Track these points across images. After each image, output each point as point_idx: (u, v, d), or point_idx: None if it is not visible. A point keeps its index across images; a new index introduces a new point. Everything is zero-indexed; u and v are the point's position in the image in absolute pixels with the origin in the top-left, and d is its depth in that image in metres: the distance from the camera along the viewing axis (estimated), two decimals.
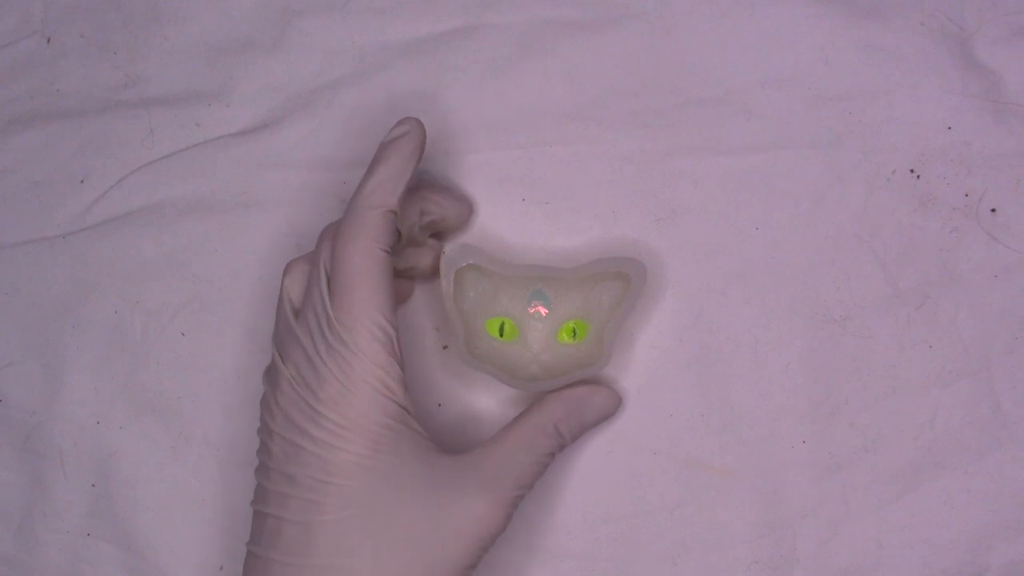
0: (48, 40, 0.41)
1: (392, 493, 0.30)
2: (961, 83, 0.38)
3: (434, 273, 0.37)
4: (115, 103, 0.40)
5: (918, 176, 0.38)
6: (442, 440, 0.38)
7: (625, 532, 0.37)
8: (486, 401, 0.38)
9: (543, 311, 0.36)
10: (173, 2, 0.40)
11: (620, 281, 0.36)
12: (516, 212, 0.38)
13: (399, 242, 0.34)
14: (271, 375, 0.32)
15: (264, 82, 0.40)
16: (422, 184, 0.38)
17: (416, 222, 0.35)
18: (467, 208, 0.37)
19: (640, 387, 0.37)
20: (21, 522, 0.38)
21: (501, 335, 0.36)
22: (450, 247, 0.36)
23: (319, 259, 0.31)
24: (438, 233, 0.38)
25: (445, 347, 0.38)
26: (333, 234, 0.32)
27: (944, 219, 0.37)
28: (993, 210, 0.37)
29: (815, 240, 0.37)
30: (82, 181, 0.40)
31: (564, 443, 0.33)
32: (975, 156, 0.37)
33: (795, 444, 0.37)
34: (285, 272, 0.33)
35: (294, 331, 0.31)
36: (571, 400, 0.34)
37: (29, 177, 0.40)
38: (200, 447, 0.38)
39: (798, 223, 0.38)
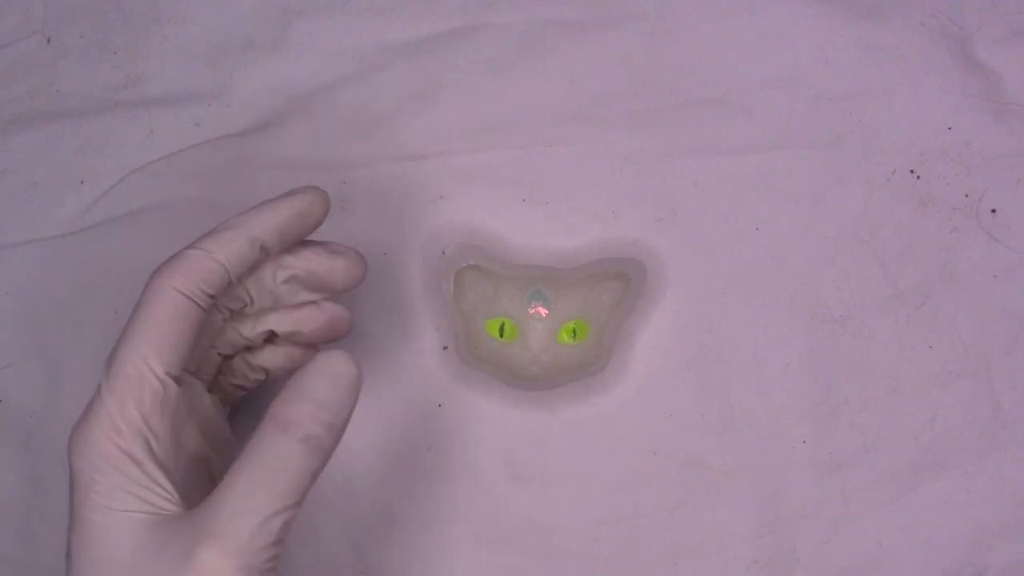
0: (48, 40, 0.41)
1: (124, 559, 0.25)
2: (961, 83, 0.38)
3: (325, 339, 0.33)
4: (115, 103, 0.40)
5: (918, 176, 0.38)
6: (442, 441, 0.37)
7: (625, 532, 0.37)
8: (486, 401, 0.38)
9: (543, 311, 0.36)
10: (173, 2, 0.40)
11: (620, 281, 0.36)
12: (516, 212, 0.38)
13: (250, 304, 0.31)
14: None
15: (264, 82, 0.40)
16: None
17: (270, 275, 0.32)
18: (350, 262, 0.32)
19: (640, 387, 0.37)
20: (21, 522, 0.38)
21: (501, 335, 0.36)
22: (450, 247, 0.36)
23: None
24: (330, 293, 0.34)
25: (445, 347, 0.38)
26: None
27: (944, 219, 0.37)
28: (993, 210, 0.37)
29: (815, 240, 0.37)
30: (82, 181, 0.40)
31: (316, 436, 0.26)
32: (975, 156, 0.37)
33: (795, 444, 0.37)
34: None
35: None
36: (291, 388, 0.27)
37: (29, 177, 0.40)
38: None
39: (798, 223, 0.38)
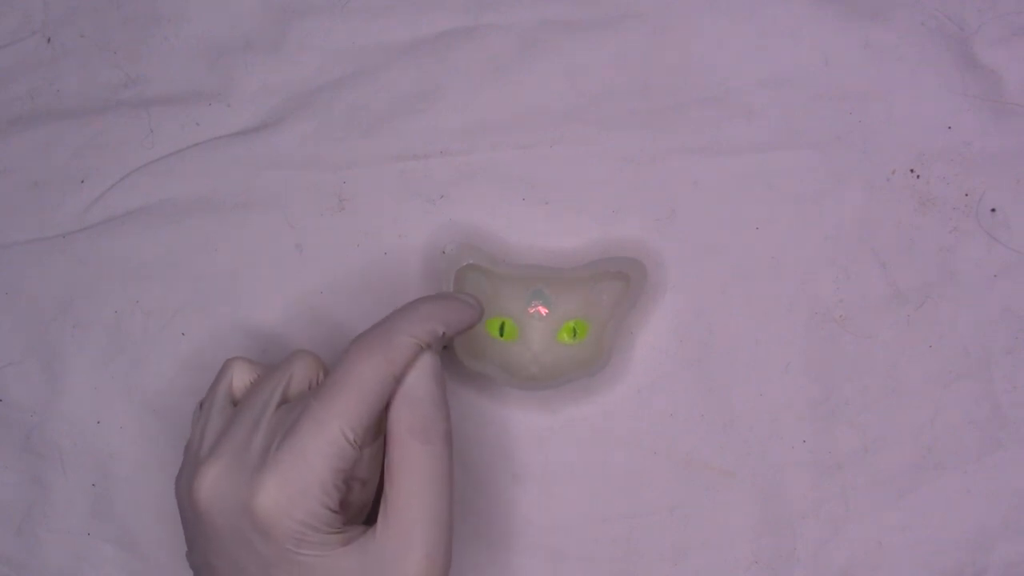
0: (48, 40, 0.41)
1: None
2: (961, 83, 0.38)
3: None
4: (115, 103, 0.40)
5: (918, 176, 0.38)
6: None
7: (625, 532, 0.37)
8: (486, 401, 0.38)
9: (543, 311, 0.36)
10: (173, 2, 0.40)
11: (620, 281, 0.36)
12: (516, 212, 0.38)
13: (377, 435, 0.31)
14: None
15: (264, 82, 0.40)
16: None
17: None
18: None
19: (640, 387, 0.37)
20: (21, 522, 0.38)
21: (501, 335, 0.36)
22: (450, 247, 0.36)
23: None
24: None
25: (445, 347, 0.38)
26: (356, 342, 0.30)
27: (944, 219, 0.37)
28: (993, 210, 0.37)
29: (815, 240, 0.37)
30: (82, 181, 0.40)
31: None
32: (975, 156, 0.37)
33: (795, 444, 0.37)
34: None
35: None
36: (407, 396, 0.29)
37: (29, 177, 0.40)
38: None
39: (798, 223, 0.38)
